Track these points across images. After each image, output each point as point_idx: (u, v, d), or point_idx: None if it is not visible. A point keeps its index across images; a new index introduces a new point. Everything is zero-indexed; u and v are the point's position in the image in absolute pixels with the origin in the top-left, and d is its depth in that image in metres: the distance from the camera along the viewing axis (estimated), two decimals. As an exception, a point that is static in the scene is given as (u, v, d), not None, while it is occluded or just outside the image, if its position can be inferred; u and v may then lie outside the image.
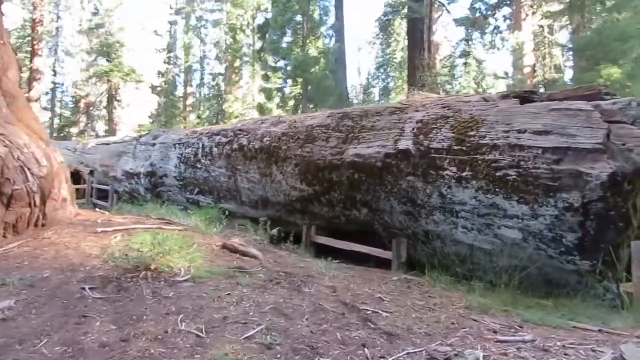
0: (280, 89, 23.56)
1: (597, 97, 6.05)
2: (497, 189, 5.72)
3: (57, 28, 48.07)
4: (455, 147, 6.16)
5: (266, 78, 23.71)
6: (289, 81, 22.35)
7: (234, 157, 9.93)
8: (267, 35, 23.04)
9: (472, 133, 6.08)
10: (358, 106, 8.57)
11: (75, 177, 17.05)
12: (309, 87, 20.61)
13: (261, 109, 23.72)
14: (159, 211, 9.01)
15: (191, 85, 50.66)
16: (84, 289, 4.39)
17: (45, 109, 51.84)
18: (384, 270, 6.84)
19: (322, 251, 8.27)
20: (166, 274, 4.88)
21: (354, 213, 7.75)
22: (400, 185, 6.78)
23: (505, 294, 5.78)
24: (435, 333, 4.31)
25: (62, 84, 50.46)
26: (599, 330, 4.62)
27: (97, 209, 11.26)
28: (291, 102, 23.63)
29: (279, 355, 3.58)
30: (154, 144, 13.01)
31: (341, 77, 24.61)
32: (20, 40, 45.45)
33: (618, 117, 5.48)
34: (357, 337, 4.03)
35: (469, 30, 27.13)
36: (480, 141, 5.95)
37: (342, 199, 7.77)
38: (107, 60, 38.21)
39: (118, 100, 41.27)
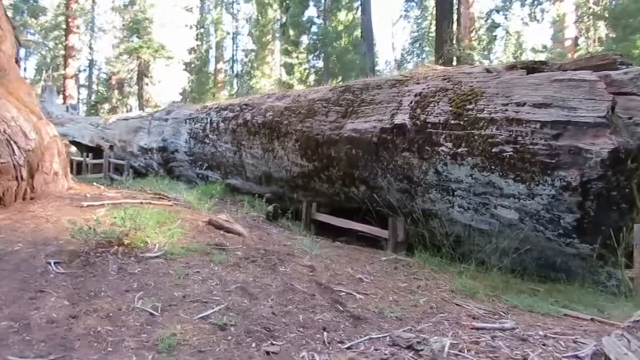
0: (301, 64, 23.18)
1: (611, 67, 5.57)
2: (492, 167, 5.36)
3: (92, 5, 48.66)
4: (452, 122, 5.79)
5: (287, 53, 23.33)
6: (310, 56, 21.90)
7: (239, 132, 9.76)
8: (289, 9, 22.62)
9: (470, 107, 5.69)
10: (362, 79, 8.19)
11: (97, 151, 17.35)
12: (331, 62, 20.12)
13: (282, 84, 23.42)
14: (162, 186, 8.97)
15: (222, 62, 50.79)
16: (49, 263, 4.32)
17: (82, 85, 53.17)
18: (379, 250, 6.59)
19: (324, 229, 8.09)
20: (139, 249, 4.78)
21: (352, 190, 7.49)
22: (396, 162, 6.47)
23: (499, 277, 5.46)
24: (408, 318, 4.07)
25: (97, 61, 51.34)
26: (592, 319, 4.29)
27: (109, 184, 11.37)
28: (312, 77, 23.24)
29: (230, 337, 3.41)
30: (167, 120, 12.99)
31: (367, 50, 23.99)
32: (58, 18, 46.34)
33: (629, 88, 5.01)
34: (320, 320, 3.83)
35: (507, 2, 25.91)
36: (478, 115, 5.56)
37: (341, 175, 7.51)
38: (137, 37, 38.56)
39: (148, 77, 41.74)
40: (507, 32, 23.47)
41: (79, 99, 49.73)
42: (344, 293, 4.46)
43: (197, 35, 47.16)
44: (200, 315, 3.68)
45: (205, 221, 5.98)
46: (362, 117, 7.01)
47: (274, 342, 3.41)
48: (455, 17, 24.96)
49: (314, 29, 20.64)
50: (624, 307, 4.63)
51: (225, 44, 49.07)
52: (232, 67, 49.80)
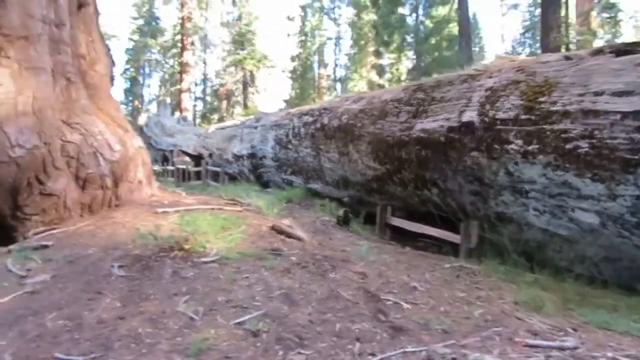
0: (394, 64, 22.79)
1: None
2: (567, 165, 4.81)
3: (204, 22, 52.08)
4: (523, 117, 5.31)
5: (378, 54, 23.08)
6: (402, 55, 21.45)
7: (317, 137, 9.83)
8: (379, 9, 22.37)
9: (543, 99, 5.17)
10: (435, 76, 7.85)
11: (198, 160, 18.50)
12: (423, 60, 19.54)
13: (373, 86, 23.23)
14: (242, 192, 9.31)
15: (324, 67, 51.77)
16: (112, 266, 4.65)
17: (199, 98, 57.30)
18: (450, 256, 6.23)
19: (399, 233, 7.85)
20: (196, 254, 4.97)
21: (425, 193, 7.17)
22: (465, 163, 6.08)
23: (576, 288, 4.89)
24: (455, 331, 3.78)
25: (207, 75, 54.97)
26: (680, 342, 3.66)
27: (202, 190, 12.06)
28: (404, 77, 22.72)
29: (259, 344, 3.42)
30: (256, 127, 13.48)
31: (464, 45, 22.97)
32: (175, 37, 50.26)
33: None
34: (356, 330, 3.69)
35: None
36: (551, 108, 5.03)
37: (413, 178, 7.23)
38: (241, 49, 40.62)
39: (253, 87, 43.83)
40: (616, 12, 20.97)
41: (194, 111, 53.64)
42: (391, 302, 4.26)
43: (298, 43, 48.65)
44: (237, 320, 3.73)
45: (269, 226, 6.08)
46: (432, 116, 6.70)
47: (302, 351, 3.34)
48: (563, 0, 23.03)
49: (405, 27, 20.20)
50: None
51: (326, 50, 49.92)
52: (334, 72, 50.51)
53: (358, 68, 34.50)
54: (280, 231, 5.92)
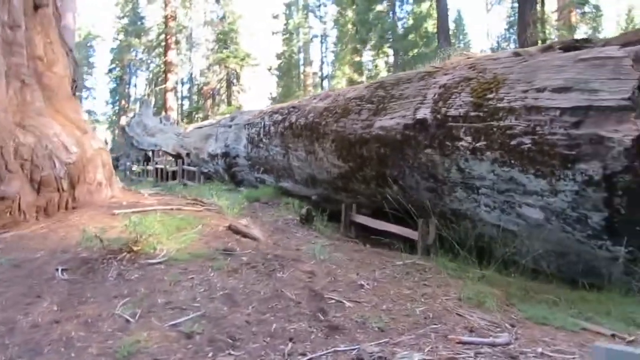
0: (373, 61, 22.81)
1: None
2: (512, 161, 4.85)
3: (189, 21, 51.65)
4: (472, 114, 5.34)
5: (356, 51, 23.08)
6: (379, 52, 21.45)
7: (286, 135, 9.82)
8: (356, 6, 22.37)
9: (491, 96, 5.21)
10: (396, 73, 7.86)
11: (177, 159, 18.40)
12: (400, 57, 19.58)
13: (351, 83, 23.26)
14: (209, 191, 9.28)
15: (310, 65, 51.68)
16: (57, 270, 4.61)
17: (185, 97, 56.97)
18: (407, 253, 6.26)
19: (366, 231, 7.86)
20: (145, 256, 4.94)
21: (386, 190, 7.19)
22: (420, 160, 6.10)
23: (523, 283, 4.94)
24: (392, 329, 3.79)
25: (193, 73, 54.64)
26: (612, 335, 3.71)
27: (175, 189, 12.00)
28: (382, 75, 22.75)
29: (190, 345, 3.41)
30: (230, 126, 13.43)
31: (443, 41, 23.03)
32: (160, 37, 49.82)
33: (668, 64, 4.27)
34: (292, 330, 3.69)
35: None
36: (498, 105, 5.07)
37: (374, 175, 7.25)
38: (225, 48, 40.48)
39: (237, 85, 43.59)
40: (597, 9, 21.19)
41: (179, 110, 53.26)
42: (334, 301, 4.26)
43: (283, 40, 48.51)
44: (173, 322, 3.71)
45: (226, 226, 6.06)
46: (390, 114, 6.71)
47: (232, 352, 3.34)
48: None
49: (383, 24, 20.20)
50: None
51: (313, 47, 49.86)
52: (321, 69, 50.38)
53: (341, 65, 34.50)
54: (236, 231, 5.91)
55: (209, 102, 44.57)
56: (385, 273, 5.11)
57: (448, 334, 3.74)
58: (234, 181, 12.99)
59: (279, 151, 10.22)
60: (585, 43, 5.45)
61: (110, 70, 58.02)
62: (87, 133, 7.20)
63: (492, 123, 5.04)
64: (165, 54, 46.10)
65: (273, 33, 49.45)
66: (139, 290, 4.28)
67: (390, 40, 19.44)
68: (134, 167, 19.56)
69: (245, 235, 5.81)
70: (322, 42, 50.10)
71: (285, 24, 49.15)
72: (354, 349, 3.38)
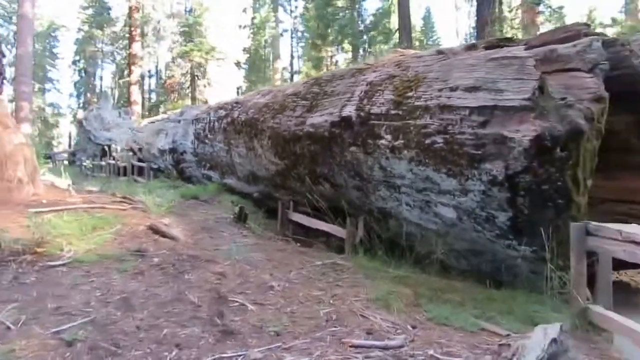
0: (332, 57, 22.72)
1: (576, 39, 4.83)
2: (427, 160, 4.82)
3: (155, 13, 50.50)
4: (392, 112, 5.29)
5: (315, 46, 22.96)
6: (337, 48, 21.38)
7: (229, 131, 9.63)
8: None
9: (410, 94, 5.16)
10: (332, 70, 7.77)
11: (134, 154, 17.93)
12: (359, 54, 19.54)
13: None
14: (155, 187, 9.04)
15: (279, 59, 51.21)
16: (-51, 274, 4.36)
17: (153, 90, 55.79)
18: (335, 252, 6.20)
19: (303, 228, 7.77)
20: (49, 257, 4.73)
21: (319, 188, 7.11)
22: (346, 158, 6.03)
23: (439, 282, 4.93)
24: (289, 333, 3.70)
25: (159, 67, 53.60)
26: (507, 335, 3.70)
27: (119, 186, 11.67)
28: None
29: (68, 354, 3.23)
30: (179, 121, 13.15)
31: (404, 39, 23.11)
32: (126, 28, 48.49)
33: (574, 64, 4.31)
34: (183, 335, 3.55)
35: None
36: (415, 103, 5.02)
37: (307, 173, 7.15)
38: (189, 41, 39.77)
39: (204, 79, 42.89)
40: (552, 8, 21.55)
41: (146, 104, 52.13)
42: (237, 304, 4.15)
43: (250, 35, 47.94)
44: (56, 329, 3.52)
45: (147, 226, 5.87)
46: (320, 111, 6.62)
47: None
48: (498, -5, 23.41)
49: (340, 20, 20.12)
50: (557, 318, 3.98)
51: (283, 42, 49.40)
52: (291, 64, 49.95)
53: (305, 61, 34.29)
54: (156, 230, 5.73)
55: (173, 96, 43.79)
56: (301, 274, 5.02)
57: (345, 337, 3.67)
58: (182, 177, 12.73)
59: (222, 147, 10.03)
60: (508, 42, 5.46)
61: (74, 62, 56.36)
62: (9, 128, 6.87)
63: (409, 122, 5.00)
64: (129, 46, 45.00)
65: (240, 27, 48.87)
66: (32, 294, 4.07)
67: (349, 36, 19.35)
68: (85, 163, 18.97)
69: (164, 235, 5.64)
70: (292, 37, 49.82)
71: (252, 18, 48.58)
72: (240, 355, 3.28)
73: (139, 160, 15.52)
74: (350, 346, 3.51)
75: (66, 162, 30.85)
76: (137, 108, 44.23)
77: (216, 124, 10.34)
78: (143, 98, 52.89)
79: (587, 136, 3.92)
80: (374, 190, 5.84)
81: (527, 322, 3.98)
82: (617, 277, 6.38)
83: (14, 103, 26.94)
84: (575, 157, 3.90)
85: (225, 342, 3.50)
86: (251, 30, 47.69)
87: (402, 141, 5.06)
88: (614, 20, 28.20)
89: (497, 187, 4.17)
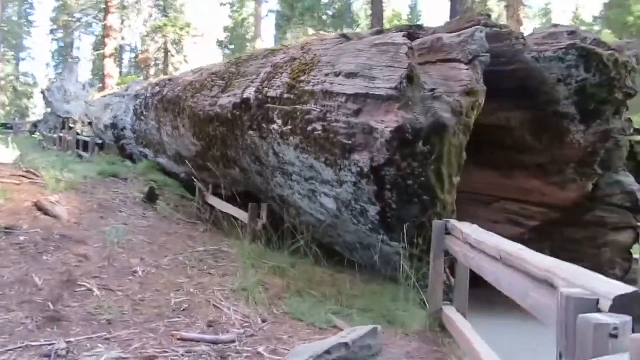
0: (296, 40, 22.28)
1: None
2: (309, 148, 4.62)
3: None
4: (286, 96, 5.06)
5: (279, 28, 22.49)
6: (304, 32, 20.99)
7: (159, 109, 9.31)
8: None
9: (303, 78, 4.94)
10: (253, 50, 7.52)
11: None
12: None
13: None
14: (80, 163, 8.70)
15: (261, 40, 50.40)
16: None
17: (132, 65, 54.52)
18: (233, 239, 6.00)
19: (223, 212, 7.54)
20: None
21: (231, 172, 6.90)
22: (246, 141, 5.81)
23: (320, 274, 4.76)
24: (122, 322, 3.53)
25: (135, 41, 52.37)
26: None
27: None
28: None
29: None
30: (124, 96, 12.74)
31: (375, 25, 22.79)
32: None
33: (455, 54, 4.12)
34: (1, 321, 3.34)
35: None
36: (305, 87, 4.80)
37: (220, 156, 6.92)
38: (164, 16, 38.90)
39: (179, 55, 42.06)
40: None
41: (120, 78, 50.91)
42: (84, 288, 3.94)
43: (230, 13, 47.07)
44: None
45: (34, 202, 5.59)
46: (229, 92, 6.36)
47: None
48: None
49: (304, 2, 19.70)
50: (415, 316, 3.85)
51: (269, 23, 48.43)
52: (275, 43, 48.98)
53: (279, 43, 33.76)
54: (40, 208, 5.46)
55: (147, 71, 42.90)
56: (177, 259, 4.81)
57: (183, 328, 3.50)
58: (124, 154, 12.37)
59: (154, 125, 9.71)
60: (419, 30, 5.27)
61: (52, 31, 54.86)
62: None
63: (297, 107, 4.79)
64: (105, 17, 43.79)
65: (221, 4, 47.94)
66: None
67: (314, 19, 18.97)
68: (35, 135, 18.44)
69: (46, 213, 5.37)
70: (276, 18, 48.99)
71: (235, -4, 47.63)
72: (47, 344, 3.07)
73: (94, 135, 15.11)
74: (179, 339, 3.33)
75: (28, 134, 30.10)
76: (111, 82, 43.14)
77: (150, 101, 9.99)
78: (121, 72, 51.73)
79: (453, 131, 3.75)
80: (272, 177, 5.64)
81: (379, 320, 3.84)
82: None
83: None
84: (438, 152, 3.73)
85: (46, 330, 3.30)
86: (232, 9, 46.83)
87: (290, 127, 4.84)
88: (596, 18, 28.35)
89: (365, 180, 3.99)
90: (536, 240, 4.83)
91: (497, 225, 5.14)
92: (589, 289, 1.54)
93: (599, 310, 1.46)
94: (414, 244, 4.01)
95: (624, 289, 1.45)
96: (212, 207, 7.63)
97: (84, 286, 3.96)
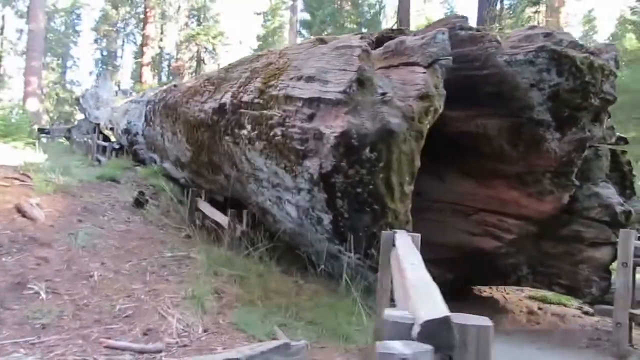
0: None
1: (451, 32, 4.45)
2: (271, 153, 4.50)
3: (169, -6, 50.38)
4: (256, 101, 4.96)
5: (301, 35, 22.51)
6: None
7: (163, 115, 9.38)
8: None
9: (273, 83, 4.83)
10: (249, 55, 7.49)
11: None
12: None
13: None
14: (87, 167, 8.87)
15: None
16: None
17: (170, 73, 55.93)
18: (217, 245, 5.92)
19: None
20: None
21: (218, 178, 6.85)
22: (224, 147, 5.75)
23: (281, 285, 4.61)
24: (57, 327, 3.52)
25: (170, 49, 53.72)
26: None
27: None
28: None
29: None
30: (139, 102, 12.95)
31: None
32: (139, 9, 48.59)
33: (415, 58, 3.94)
34: None
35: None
36: (272, 92, 4.70)
37: (207, 161, 6.88)
38: (198, 24, 39.70)
39: (214, 63, 42.83)
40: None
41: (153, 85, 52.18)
42: (32, 291, 3.92)
43: (263, 22, 47.64)
44: None
45: (15, 204, 5.67)
46: (214, 96, 6.32)
47: None
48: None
49: (325, 10, 19.62)
50: (369, 329, 3.65)
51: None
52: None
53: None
54: (19, 210, 5.53)
55: (181, 79, 43.81)
56: (139, 265, 4.76)
57: (116, 336, 3.43)
58: (137, 159, 12.55)
59: (159, 131, 9.79)
60: (399, 33, 5.10)
61: (95, 41, 56.97)
62: None
63: (264, 112, 4.68)
64: (144, 27, 45.14)
65: (256, 13, 48.65)
66: None
67: (335, 28, 18.86)
68: (60, 139, 19.01)
69: (24, 215, 5.44)
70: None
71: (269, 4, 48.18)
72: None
73: (104, 139, 15.43)
74: (105, 346, 3.26)
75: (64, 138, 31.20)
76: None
77: (156, 106, 10.10)
78: (160, 79, 53.08)
79: (403, 137, 3.56)
80: (247, 183, 5.55)
81: (328, 334, 3.67)
82: (490, 293, 5.97)
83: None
84: (386, 159, 3.54)
85: None
86: (265, 18, 47.38)
87: (256, 132, 4.75)
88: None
89: (316, 187, 3.85)
90: (513, 254, 4.55)
91: (475, 237, 4.89)
92: (415, 312, 1.36)
93: (411, 337, 1.28)
94: (368, 255, 3.82)
95: (438, 313, 1.26)
96: (204, 213, 7.61)
97: (32, 289, 3.95)
